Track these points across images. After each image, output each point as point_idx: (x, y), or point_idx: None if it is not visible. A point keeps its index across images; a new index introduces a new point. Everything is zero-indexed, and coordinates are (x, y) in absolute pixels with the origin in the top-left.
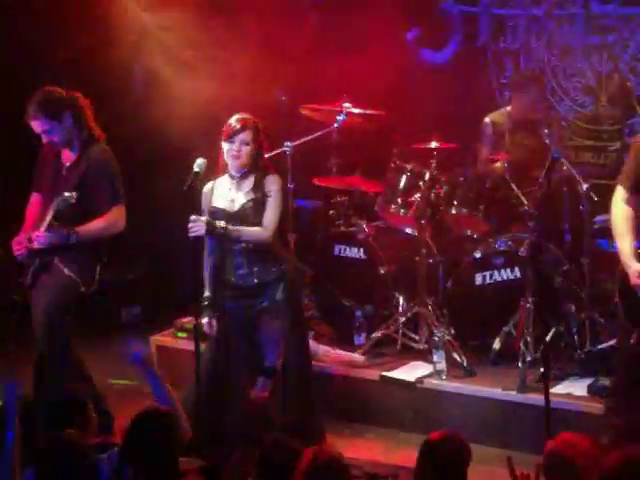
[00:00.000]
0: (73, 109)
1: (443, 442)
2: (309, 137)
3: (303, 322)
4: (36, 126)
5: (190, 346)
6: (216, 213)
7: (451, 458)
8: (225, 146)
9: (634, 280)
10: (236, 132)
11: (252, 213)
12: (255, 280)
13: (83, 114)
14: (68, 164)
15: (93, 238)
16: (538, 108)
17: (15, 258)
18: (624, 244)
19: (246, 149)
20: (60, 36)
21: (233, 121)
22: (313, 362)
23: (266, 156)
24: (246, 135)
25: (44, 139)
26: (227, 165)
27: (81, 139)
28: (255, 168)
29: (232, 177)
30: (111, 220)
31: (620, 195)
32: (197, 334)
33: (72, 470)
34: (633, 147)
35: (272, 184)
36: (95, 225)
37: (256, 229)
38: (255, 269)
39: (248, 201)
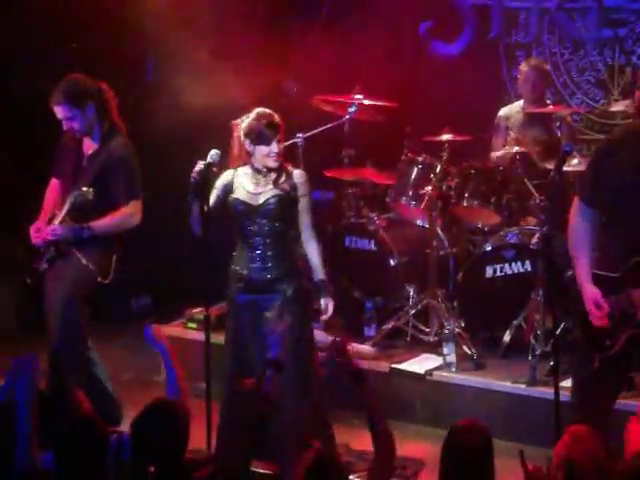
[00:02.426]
0: (97, 100)
1: (469, 430)
2: (321, 128)
3: (311, 317)
4: (58, 112)
5: (200, 337)
6: (238, 206)
7: (478, 446)
8: (261, 149)
9: (589, 306)
10: (273, 135)
11: (276, 209)
12: (268, 275)
13: (107, 105)
14: (89, 154)
15: (108, 232)
16: (541, 95)
17: (28, 244)
18: (580, 265)
19: (281, 147)
20: (72, 25)
21: (264, 123)
22: (322, 354)
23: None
24: (280, 135)
25: (65, 125)
26: (247, 158)
27: (102, 130)
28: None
29: (257, 171)
30: (127, 215)
31: (578, 208)
32: (207, 325)
33: (92, 452)
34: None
35: (303, 183)
36: (110, 220)
37: (314, 250)
38: (269, 264)
39: (272, 197)
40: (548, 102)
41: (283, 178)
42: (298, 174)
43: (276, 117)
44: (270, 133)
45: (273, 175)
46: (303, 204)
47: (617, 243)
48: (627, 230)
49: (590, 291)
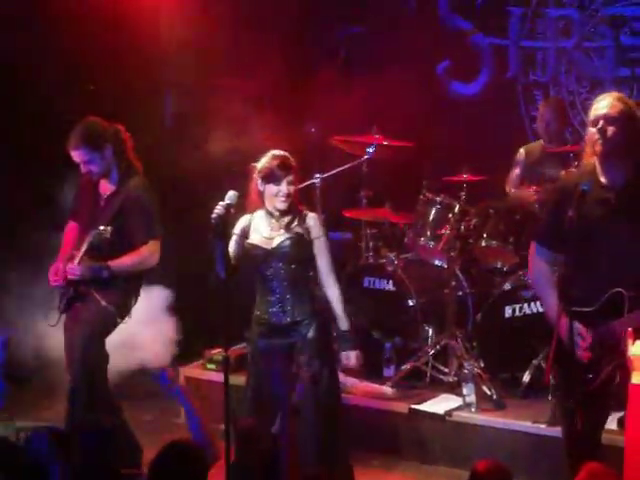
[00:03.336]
0: (114, 142)
1: (490, 472)
2: (339, 169)
3: (333, 359)
4: (76, 156)
5: (220, 378)
6: (253, 250)
7: None
8: (271, 188)
9: (574, 339)
10: (283, 175)
11: (290, 251)
12: (288, 319)
13: (124, 147)
14: (106, 195)
15: (126, 272)
16: (558, 134)
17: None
18: (550, 304)
19: (292, 189)
20: (90, 62)
21: (276, 163)
22: (342, 394)
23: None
24: (292, 176)
25: (83, 169)
26: (261, 201)
27: (119, 171)
28: (292, 205)
29: (270, 214)
30: (145, 255)
31: (537, 251)
32: (227, 366)
33: None
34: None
35: (317, 225)
36: (128, 260)
37: (335, 297)
38: (288, 308)
39: (287, 239)
40: (567, 139)
41: (296, 222)
42: (311, 217)
43: (290, 159)
44: (281, 173)
45: (286, 219)
46: (318, 246)
47: (586, 280)
48: (596, 266)
49: (569, 324)
